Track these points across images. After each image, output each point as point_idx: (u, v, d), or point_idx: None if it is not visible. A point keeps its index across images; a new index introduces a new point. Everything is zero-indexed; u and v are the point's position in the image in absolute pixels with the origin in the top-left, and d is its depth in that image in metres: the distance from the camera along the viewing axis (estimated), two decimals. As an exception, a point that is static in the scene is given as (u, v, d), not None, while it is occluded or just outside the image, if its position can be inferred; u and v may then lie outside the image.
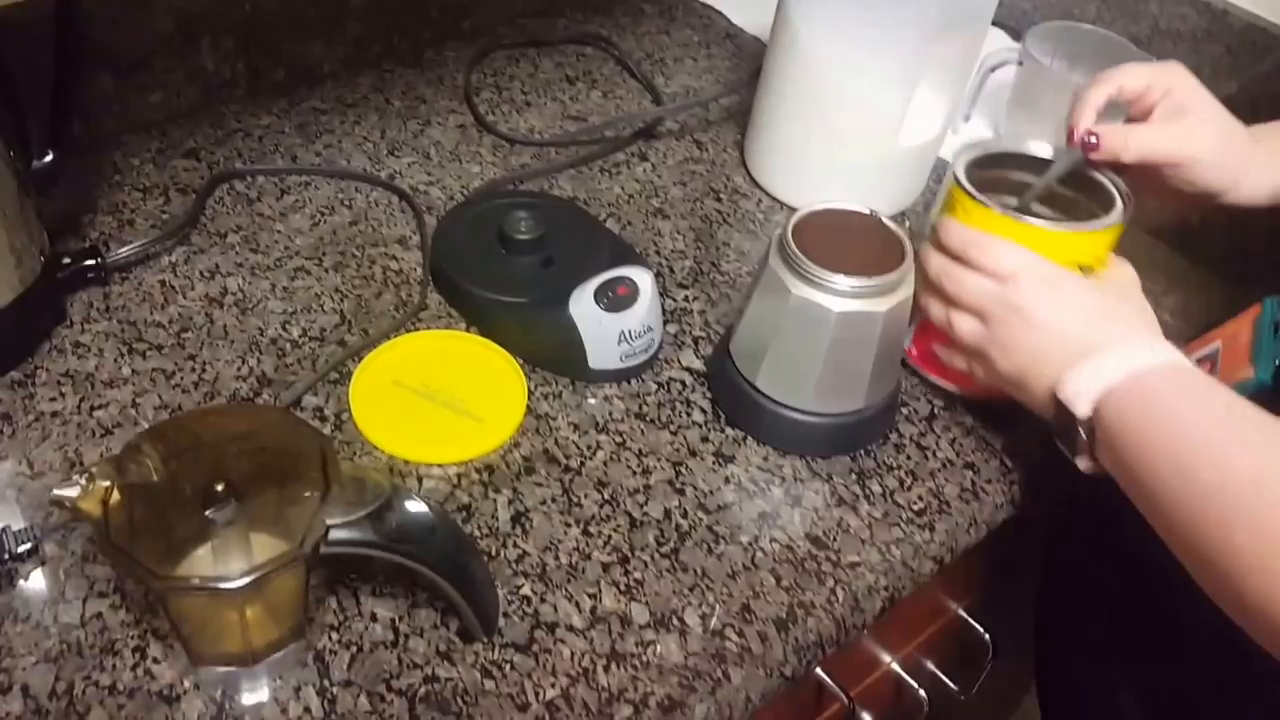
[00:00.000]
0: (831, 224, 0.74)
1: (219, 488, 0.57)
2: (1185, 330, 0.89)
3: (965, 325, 0.72)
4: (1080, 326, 0.68)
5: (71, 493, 0.55)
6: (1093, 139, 0.74)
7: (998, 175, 0.78)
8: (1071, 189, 0.77)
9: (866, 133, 0.93)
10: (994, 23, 1.20)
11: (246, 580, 0.53)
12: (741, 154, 1.03)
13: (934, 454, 0.79)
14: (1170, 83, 0.76)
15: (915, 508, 0.75)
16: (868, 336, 0.71)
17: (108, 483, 0.55)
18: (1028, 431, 0.79)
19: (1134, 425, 0.63)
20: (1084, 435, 0.66)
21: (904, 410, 0.82)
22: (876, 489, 0.76)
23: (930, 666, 1.03)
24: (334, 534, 0.56)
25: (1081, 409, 0.65)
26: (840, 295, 0.70)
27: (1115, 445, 0.64)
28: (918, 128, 0.93)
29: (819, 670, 0.84)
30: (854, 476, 0.76)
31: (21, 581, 0.64)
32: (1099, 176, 0.76)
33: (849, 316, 0.70)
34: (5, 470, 0.69)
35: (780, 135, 0.96)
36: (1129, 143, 0.74)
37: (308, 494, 0.57)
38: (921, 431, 0.80)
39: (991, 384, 0.73)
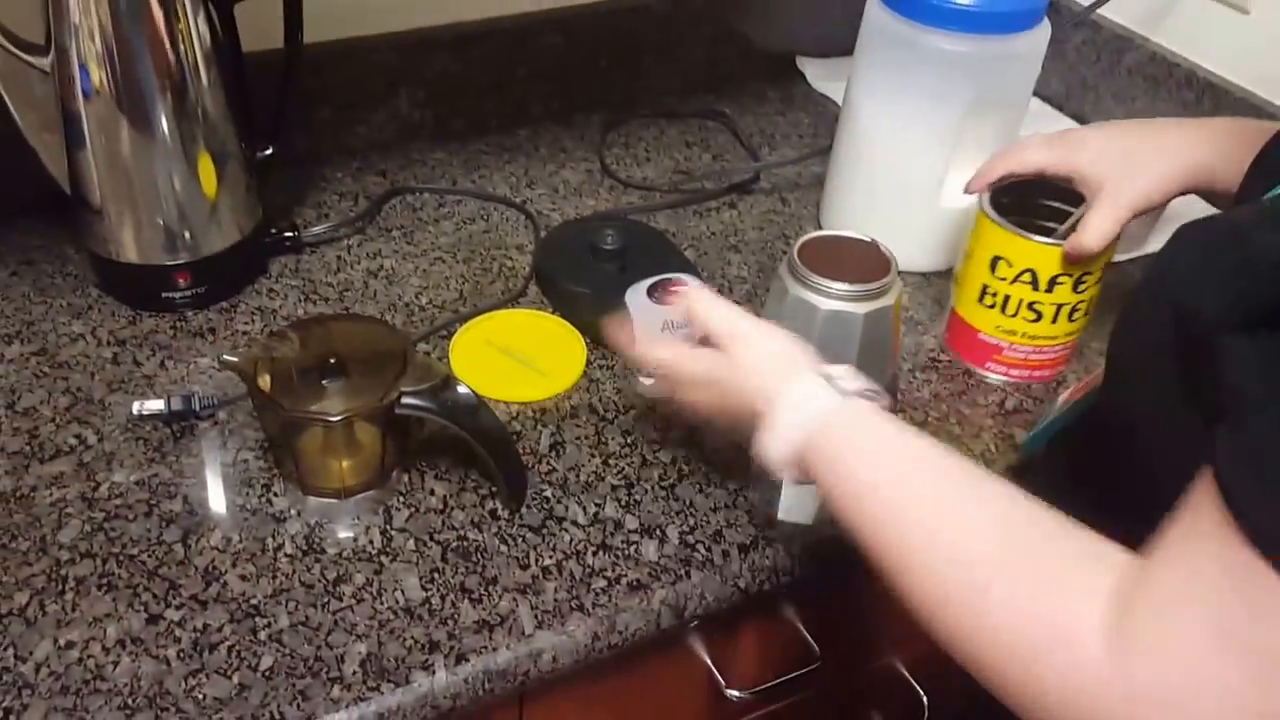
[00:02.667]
0: (835, 245, 0.84)
1: (332, 362, 0.80)
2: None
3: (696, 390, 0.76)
4: (757, 376, 0.70)
5: (234, 358, 0.79)
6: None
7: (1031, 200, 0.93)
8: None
9: (911, 193, 1.05)
10: (1046, 99, 1.32)
11: (341, 416, 0.77)
12: (818, 210, 1.19)
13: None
14: (1071, 160, 0.88)
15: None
16: (849, 335, 0.80)
17: (260, 352, 0.80)
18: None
19: (824, 479, 0.65)
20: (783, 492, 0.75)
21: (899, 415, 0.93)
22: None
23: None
24: (405, 400, 0.78)
25: (777, 466, 0.68)
26: (827, 296, 0.79)
27: (818, 482, 0.66)
28: (958, 191, 0.99)
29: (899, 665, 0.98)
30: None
31: (199, 432, 0.88)
32: None
33: (834, 315, 0.80)
34: (204, 362, 0.94)
35: (844, 194, 1.11)
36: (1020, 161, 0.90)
37: (391, 372, 0.79)
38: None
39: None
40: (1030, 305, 0.91)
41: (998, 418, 0.95)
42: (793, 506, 0.83)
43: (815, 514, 0.83)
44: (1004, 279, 0.90)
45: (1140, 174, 0.84)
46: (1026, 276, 0.89)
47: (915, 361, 1.01)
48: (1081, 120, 1.34)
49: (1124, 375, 0.67)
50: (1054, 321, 0.92)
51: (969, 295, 0.95)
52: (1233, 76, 1.21)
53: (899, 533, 0.59)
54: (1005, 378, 0.96)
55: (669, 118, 1.34)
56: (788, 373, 0.68)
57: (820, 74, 1.42)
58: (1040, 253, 0.88)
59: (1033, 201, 0.93)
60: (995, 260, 0.90)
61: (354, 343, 0.83)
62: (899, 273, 0.82)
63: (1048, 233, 0.90)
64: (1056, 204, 0.93)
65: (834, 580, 0.85)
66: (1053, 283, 0.89)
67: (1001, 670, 0.53)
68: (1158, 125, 0.88)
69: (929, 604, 0.57)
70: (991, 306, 0.93)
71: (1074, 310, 0.91)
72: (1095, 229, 0.85)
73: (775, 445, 0.67)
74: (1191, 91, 1.23)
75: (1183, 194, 0.85)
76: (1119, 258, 0.95)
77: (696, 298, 0.76)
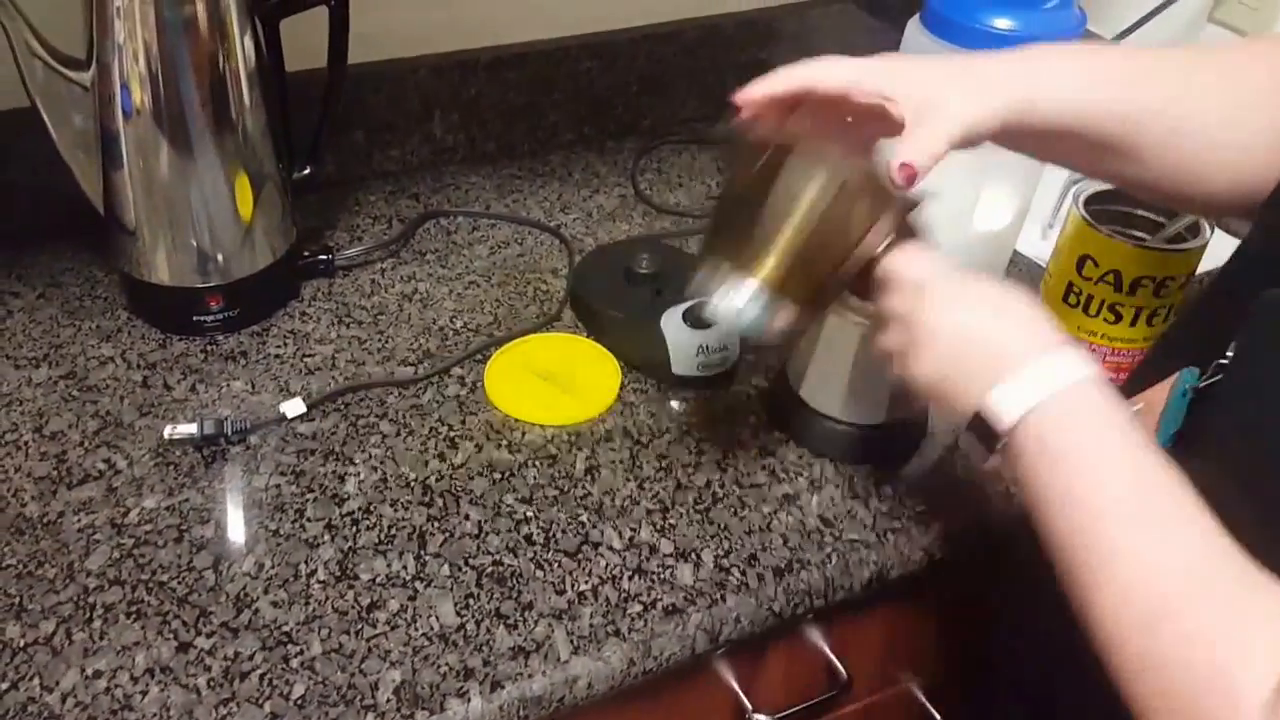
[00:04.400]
0: None
1: None
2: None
3: (889, 336, 0.69)
4: (999, 335, 0.63)
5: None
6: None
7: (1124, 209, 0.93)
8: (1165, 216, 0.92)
9: (944, 217, 1.05)
10: None
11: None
12: (850, 236, 1.17)
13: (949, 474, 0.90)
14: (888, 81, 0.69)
15: (918, 510, 0.85)
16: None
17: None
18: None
19: (1038, 457, 0.59)
20: (1000, 450, 0.61)
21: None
22: (889, 492, 0.86)
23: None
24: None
25: (1004, 422, 0.60)
26: (867, 318, 0.79)
27: (1022, 467, 0.60)
28: (988, 217, 1.01)
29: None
30: (873, 482, 0.87)
31: (230, 457, 0.85)
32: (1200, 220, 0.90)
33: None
34: (237, 386, 0.91)
35: (876, 219, 1.11)
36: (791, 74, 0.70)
37: None
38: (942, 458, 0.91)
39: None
40: (1111, 306, 0.91)
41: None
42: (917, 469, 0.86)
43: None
44: (1089, 279, 0.91)
45: (968, 95, 0.67)
46: (1110, 277, 0.89)
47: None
48: None
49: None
50: (1133, 324, 0.91)
51: (1054, 294, 0.95)
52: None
53: (1095, 536, 0.56)
54: None
55: (701, 144, 1.31)
56: (1042, 338, 0.62)
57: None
58: (1125, 254, 0.88)
59: (1125, 210, 0.94)
60: (1082, 260, 0.91)
61: None
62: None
63: (1140, 241, 0.91)
64: (1149, 214, 0.94)
65: (865, 602, 0.83)
66: (1135, 285, 0.89)
67: (1155, 709, 0.51)
68: (971, 56, 0.71)
69: (1106, 622, 0.54)
70: (1075, 306, 0.93)
71: (1153, 315, 0.91)
72: (921, 143, 0.66)
73: (1008, 402, 0.60)
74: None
75: (1004, 127, 0.68)
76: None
77: (905, 258, 0.68)
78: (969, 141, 0.68)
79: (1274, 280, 0.59)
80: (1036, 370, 0.60)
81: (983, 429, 0.61)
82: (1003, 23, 0.94)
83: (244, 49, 0.88)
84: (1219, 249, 1.03)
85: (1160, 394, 0.69)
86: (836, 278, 0.69)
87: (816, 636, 0.90)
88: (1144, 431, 0.59)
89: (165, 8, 0.83)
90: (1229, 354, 0.62)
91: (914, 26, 1.00)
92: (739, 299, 0.69)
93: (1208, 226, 0.90)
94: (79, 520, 0.79)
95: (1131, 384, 0.72)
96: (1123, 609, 0.54)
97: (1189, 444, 0.63)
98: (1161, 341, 0.82)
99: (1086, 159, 0.74)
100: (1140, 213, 0.94)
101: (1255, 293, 0.60)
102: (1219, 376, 0.63)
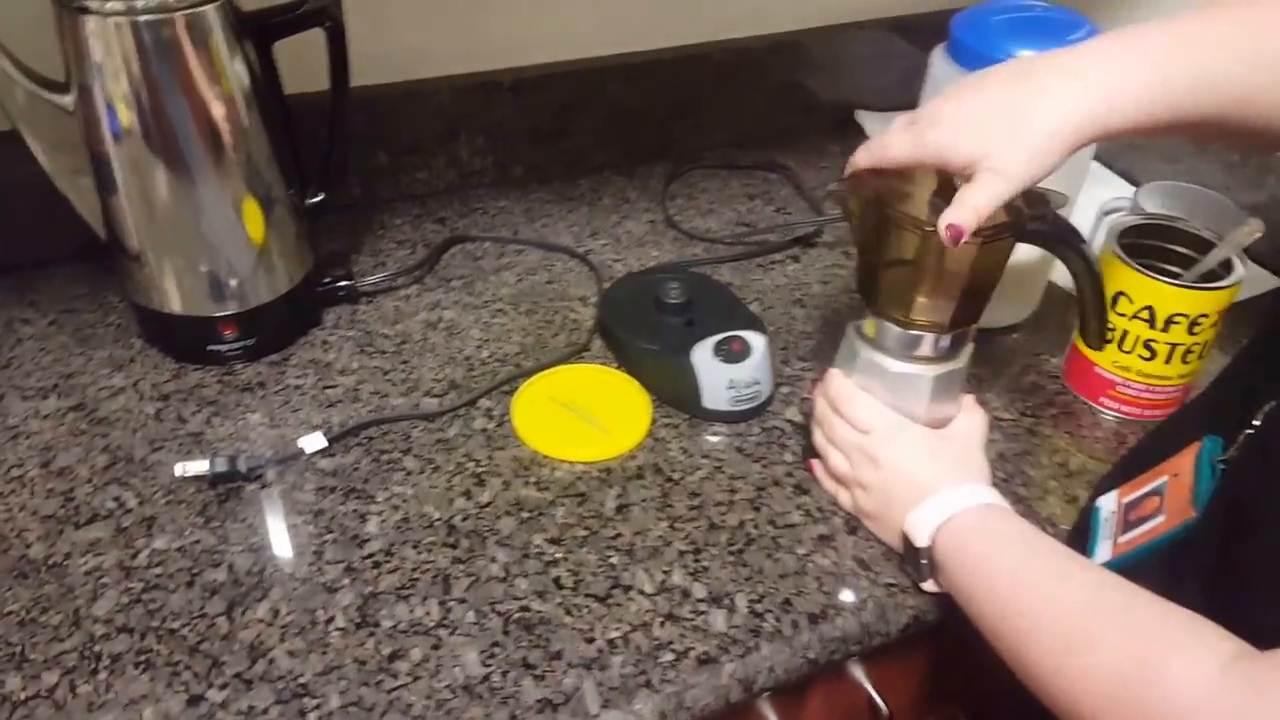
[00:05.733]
0: None
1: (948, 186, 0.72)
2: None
3: (837, 461, 0.81)
4: (921, 474, 0.75)
5: (837, 185, 0.75)
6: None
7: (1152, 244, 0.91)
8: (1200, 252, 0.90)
9: None
10: (1127, 178, 1.27)
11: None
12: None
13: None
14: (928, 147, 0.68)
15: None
16: (919, 395, 0.79)
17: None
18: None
19: (956, 557, 0.70)
20: (925, 562, 0.73)
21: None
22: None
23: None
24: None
25: (921, 540, 0.72)
26: (895, 358, 0.78)
27: (946, 571, 0.71)
28: (1021, 246, 0.99)
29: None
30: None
31: (246, 495, 0.80)
32: (1232, 256, 0.87)
33: (903, 376, 0.78)
34: (254, 419, 0.87)
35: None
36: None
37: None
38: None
39: (855, 512, 0.82)
40: (1146, 343, 0.89)
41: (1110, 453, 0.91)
42: None
43: None
44: (1123, 314, 0.89)
45: (1029, 157, 0.64)
46: (1145, 313, 0.87)
47: (1029, 390, 0.97)
48: (1130, 179, 1.27)
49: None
50: (1167, 361, 0.89)
51: None
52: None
53: (1013, 601, 0.64)
54: (1117, 414, 0.94)
55: (731, 169, 1.27)
56: (951, 475, 0.75)
57: (879, 129, 1.33)
58: (1159, 291, 0.86)
59: (1159, 244, 0.92)
60: (1117, 295, 0.89)
61: None
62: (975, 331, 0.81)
63: (1174, 276, 0.89)
64: (1182, 250, 0.92)
65: (905, 642, 0.79)
66: (1169, 322, 0.87)
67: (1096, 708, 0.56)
68: (1027, 84, 0.65)
69: (1030, 655, 0.61)
70: (1109, 341, 0.91)
71: (1188, 352, 0.89)
72: (967, 204, 0.64)
73: (925, 522, 0.72)
74: (1237, 154, 1.16)
75: (1075, 150, 0.65)
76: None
77: (840, 390, 0.81)
78: (1037, 180, 0.66)
79: None
80: (943, 498, 0.72)
81: (909, 548, 0.74)
82: (1027, 54, 0.89)
83: (235, 71, 0.83)
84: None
85: (1184, 463, 0.71)
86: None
87: (857, 672, 0.85)
88: (1044, 536, 0.68)
89: (142, 30, 0.78)
90: (1256, 423, 0.65)
91: (939, 56, 0.96)
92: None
93: (1240, 263, 0.87)
94: (86, 563, 0.74)
95: (1156, 444, 0.77)
96: (1051, 646, 0.60)
97: (1227, 513, 0.65)
98: (1184, 410, 0.86)
99: (1189, 139, 0.73)
100: (1174, 248, 0.92)
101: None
102: (1246, 443, 0.66)
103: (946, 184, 0.73)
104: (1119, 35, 0.65)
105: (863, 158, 0.72)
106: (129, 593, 0.72)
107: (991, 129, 0.64)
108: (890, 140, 0.69)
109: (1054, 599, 0.62)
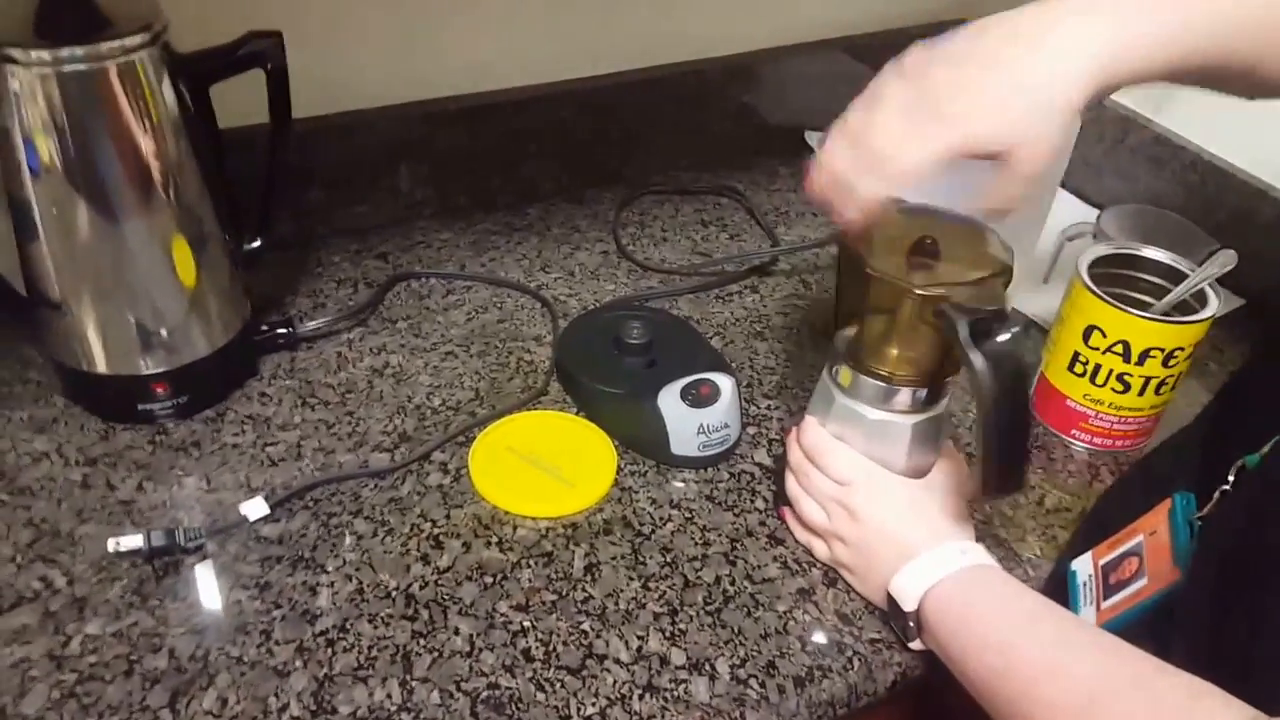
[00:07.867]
0: None
1: (927, 242, 0.69)
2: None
3: (812, 512, 0.77)
4: (904, 533, 0.72)
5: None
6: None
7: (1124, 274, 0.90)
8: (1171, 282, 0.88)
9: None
10: (1082, 197, 1.25)
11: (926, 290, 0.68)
12: (841, 294, 1.08)
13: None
14: None
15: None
16: (897, 444, 0.75)
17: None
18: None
19: (946, 619, 0.67)
20: (913, 625, 0.70)
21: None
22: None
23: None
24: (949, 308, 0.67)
25: (909, 605, 0.69)
26: (874, 406, 0.74)
27: (934, 633, 0.68)
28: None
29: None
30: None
31: (185, 569, 0.73)
32: (1204, 286, 0.86)
33: (881, 424, 0.74)
34: (189, 484, 0.80)
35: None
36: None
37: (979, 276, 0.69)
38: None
39: (831, 564, 0.78)
40: (1120, 376, 0.87)
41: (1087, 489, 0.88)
42: None
43: None
44: (1096, 349, 0.87)
45: (1035, 141, 0.60)
46: (1119, 348, 0.85)
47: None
48: (1084, 197, 1.26)
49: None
50: (1141, 394, 0.87)
51: (1060, 362, 0.91)
52: (1235, 160, 1.14)
53: (1010, 669, 0.62)
54: (1089, 446, 0.92)
55: (682, 194, 1.22)
56: (934, 533, 0.72)
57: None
58: (1134, 325, 0.84)
59: (1128, 274, 0.91)
60: (1089, 329, 0.87)
61: (954, 242, 0.71)
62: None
63: (1144, 306, 0.88)
64: (1153, 279, 0.91)
65: (891, 699, 0.75)
66: (1144, 356, 0.85)
67: None
68: (1034, 44, 0.60)
69: None
70: (1081, 375, 0.89)
71: (1161, 384, 0.87)
72: (995, 199, 0.63)
73: (913, 584, 0.69)
74: (1195, 174, 1.16)
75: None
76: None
77: (817, 441, 0.77)
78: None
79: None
80: (929, 560, 0.69)
81: (895, 610, 0.71)
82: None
83: (166, 112, 0.76)
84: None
85: (1157, 521, 0.72)
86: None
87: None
88: (1031, 594, 0.66)
89: (68, 80, 0.71)
90: (1230, 478, 0.66)
91: None
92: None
93: (1215, 295, 0.85)
94: (11, 653, 0.67)
95: (1121, 500, 0.79)
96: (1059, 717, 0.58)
97: (1216, 574, 0.64)
98: (1143, 467, 0.87)
99: (1191, 83, 0.65)
100: (1144, 277, 0.91)
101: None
102: (1221, 500, 0.66)
103: (920, 244, 0.70)
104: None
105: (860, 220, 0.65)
106: (61, 686, 0.65)
107: (1005, 120, 0.60)
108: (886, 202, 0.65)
109: (1055, 672, 0.60)
